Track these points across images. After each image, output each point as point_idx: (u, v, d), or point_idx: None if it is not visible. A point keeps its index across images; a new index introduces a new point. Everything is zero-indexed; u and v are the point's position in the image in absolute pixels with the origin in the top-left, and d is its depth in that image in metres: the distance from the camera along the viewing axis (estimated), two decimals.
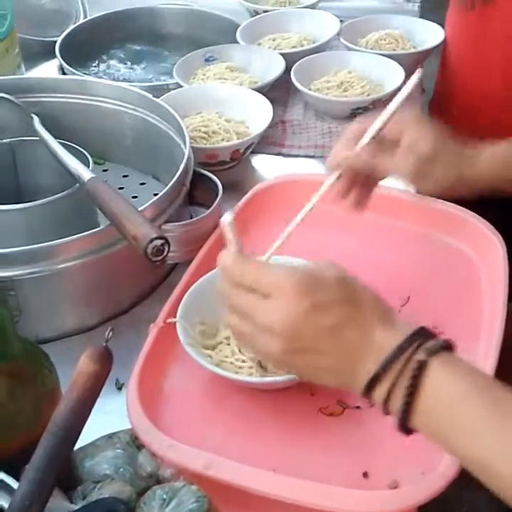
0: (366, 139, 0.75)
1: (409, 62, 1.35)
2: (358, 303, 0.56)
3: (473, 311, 0.87)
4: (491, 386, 0.53)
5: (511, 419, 0.50)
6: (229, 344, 0.80)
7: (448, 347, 0.55)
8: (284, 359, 0.57)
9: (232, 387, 0.78)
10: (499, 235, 0.92)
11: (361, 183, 0.79)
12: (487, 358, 0.78)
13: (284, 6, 1.61)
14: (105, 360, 0.49)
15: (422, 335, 0.55)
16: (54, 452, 0.47)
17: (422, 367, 0.52)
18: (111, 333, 0.51)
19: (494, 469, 0.50)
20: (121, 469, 0.67)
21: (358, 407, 0.76)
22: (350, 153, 0.76)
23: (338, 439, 0.73)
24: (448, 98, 1.29)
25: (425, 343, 0.54)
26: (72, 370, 0.67)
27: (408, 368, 0.53)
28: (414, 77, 0.74)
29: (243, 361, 0.78)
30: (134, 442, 0.70)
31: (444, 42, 1.34)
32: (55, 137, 1.01)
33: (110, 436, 0.71)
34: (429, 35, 1.42)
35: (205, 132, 1.15)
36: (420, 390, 0.52)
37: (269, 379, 0.76)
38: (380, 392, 0.54)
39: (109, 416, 0.74)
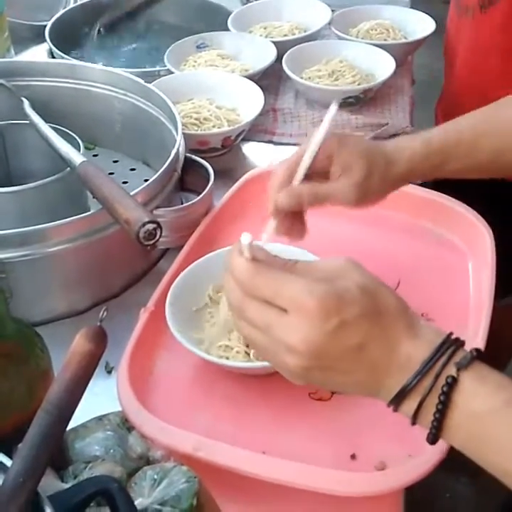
0: (298, 178, 0.72)
1: (400, 52, 1.36)
2: (383, 315, 0.53)
3: (462, 298, 0.88)
4: None
5: None
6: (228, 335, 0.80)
7: (477, 357, 0.53)
8: (304, 374, 0.54)
9: (221, 372, 0.79)
10: (487, 225, 0.93)
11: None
12: (474, 344, 0.79)
13: None
14: (99, 339, 0.50)
15: (449, 345, 0.53)
16: (48, 430, 0.48)
17: (453, 383, 0.51)
18: (105, 313, 0.52)
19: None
20: (112, 450, 0.67)
21: None
22: (290, 195, 0.72)
23: (327, 422, 0.74)
24: (454, 99, 1.30)
25: (454, 354, 0.52)
26: (62, 352, 0.67)
27: (438, 383, 0.51)
28: (332, 109, 0.71)
29: (232, 349, 0.78)
30: (124, 424, 0.71)
31: (446, 42, 1.34)
32: (45, 121, 1.01)
33: (100, 418, 0.71)
34: (420, 25, 1.42)
35: (196, 119, 1.15)
36: (452, 406, 0.51)
37: (257, 364, 0.77)
38: (409, 407, 0.53)
39: (99, 398, 0.74)
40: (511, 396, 0.51)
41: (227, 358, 0.78)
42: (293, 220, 0.74)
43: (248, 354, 0.78)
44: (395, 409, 0.54)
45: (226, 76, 1.24)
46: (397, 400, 0.53)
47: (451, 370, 0.51)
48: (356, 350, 0.52)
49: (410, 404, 0.52)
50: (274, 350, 0.54)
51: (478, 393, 0.51)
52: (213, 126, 1.14)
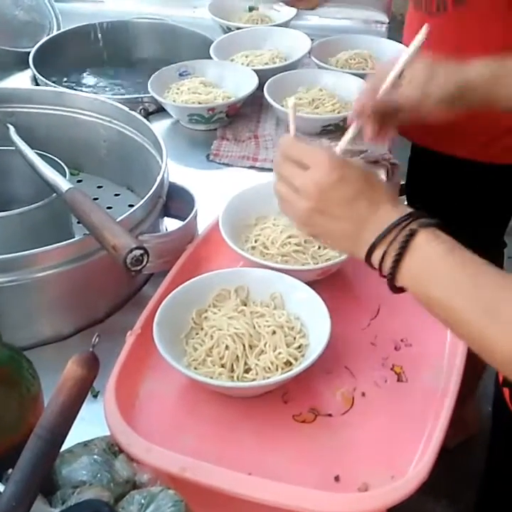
0: (384, 86, 0.89)
1: None
2: (374, 184, 0.70)
3: (440, 324, 0.89)
4: (466, 252, 0.64)
5: (480, 276, 0.61)
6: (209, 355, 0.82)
7: (439, 226, 0.65)
8: (309, 217, 0.70)
9: (207, 394, 0.80)
10: None
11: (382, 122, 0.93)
12: (452, 368, 0.81)
13: (257, 24, 1.65)
14: (91, 365, 0.51)
15: (418, 215, 0.66)
16: (41, 455, 0.48)
17: (412, 234, 0.64)
18: (97, 339, 0.53)
19: (460, 315, 0.61)
20: (99, 475, 0.68)
21: (329, 415, 0.78)
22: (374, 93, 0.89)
23: (311, 444, 0.76)
24: None
25: (420, 218, 0.65)
26: (48, 377, 0.68)
27: (401, 234, 0.65)
28: (423, 32, 0.86)
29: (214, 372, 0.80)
30: (110, 449, 0.71)
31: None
32: (31, 147, 1.02)
33: (86, 443, 0.72)
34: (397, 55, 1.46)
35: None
36: (408, 252, 0.64)
37: (240, 384, 0.78)
38: (376, 256, 0.66)
39: (85, 423, 0.74)
40: (455, 246, 0.64)
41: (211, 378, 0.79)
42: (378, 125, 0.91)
43: (231, 377, 0.80)
44: (369, 262, 0.67)
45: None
46: (369, 252, 0.67)
47: (413, 225, 0.65)
48: (349, 200, 0.68)
49: (378, 254, 0.66)
50: (293, 199, 0.72)
51: (430, 244, 0.64)
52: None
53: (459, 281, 0.62)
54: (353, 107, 0.93)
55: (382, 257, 0.66)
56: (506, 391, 0.90)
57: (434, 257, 0.64)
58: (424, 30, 0.86)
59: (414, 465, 0.72)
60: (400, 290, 0.67)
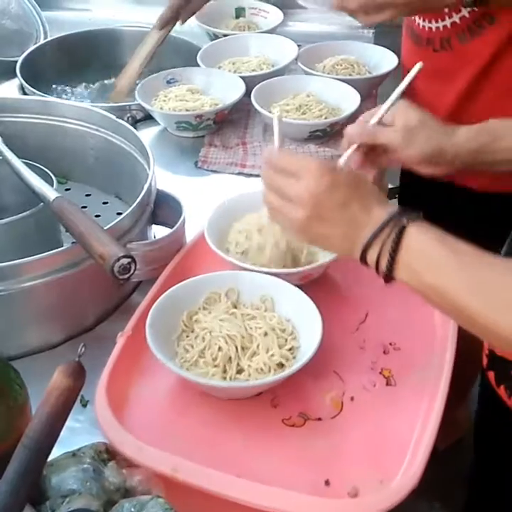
0: (374, 120, 0.90)
1: (365, 87, 1.40)
2: (363, 187, 0.73)
3: (427, 328, 0.90)
4: (451, 239, 0.68)
5: (473, 261, 0.65)
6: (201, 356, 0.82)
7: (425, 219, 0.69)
8: (306, 225, 0.72)
9: (197, 397, 0.80)
10: None
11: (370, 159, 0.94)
12: (441, 371, 0.82)
13: (244, 31, 1.65)
14: (78, 375, 0.51)
15: (407, 212, 0.70)
16: (28, 465, 0.48)
17: (403, 229, 0.68)
18: (83, 349, 0.53)
19: (456, 300, 0.65)
20: (88, 484, 0.67)
21: (319, 419, 0.79)
22: (361, 128, 0.92)
23: (301, 448, 0.76)
24: None
25: (407, 214, 0.69)
26: (37, 386, 0.68)
27: (393, 231, 0.68)
28: (415, 69, 0.88)
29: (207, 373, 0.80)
30: (100, 456, 0.71)
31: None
32: (18, 157, 1.02)
33: (75, 452, 0.72)
34: (384, 60, 1.47)
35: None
36: (401, 247, 0.68)
37: (236, 383, 0.79)
38: (372, 254, 0.70)
39: (74, 432, 0.75)
40: (444, 235, 0.68)
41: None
42: (364, 156, 0.92)
43: (224, 378, 0.80)
44: (364, 261, 0.70)
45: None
46: (365, 250, 0.70)
47: (403, 221, 0.68)
48: (342, 204, 0.71)
49: (373, 252, 0.69)
50: (286, 210, 0.74)
51: (421, 236, 0.68)
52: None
53: (452, 267, 0.65)
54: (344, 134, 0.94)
55: (379, 255, 0.69)
56: (491, 374, 0.91)
57: (427, 248, 0.67)
58: (417, 67, 0.89)
59: (404, 469, 0.73)
60: (393, 279, 0.70)
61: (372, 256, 0.70)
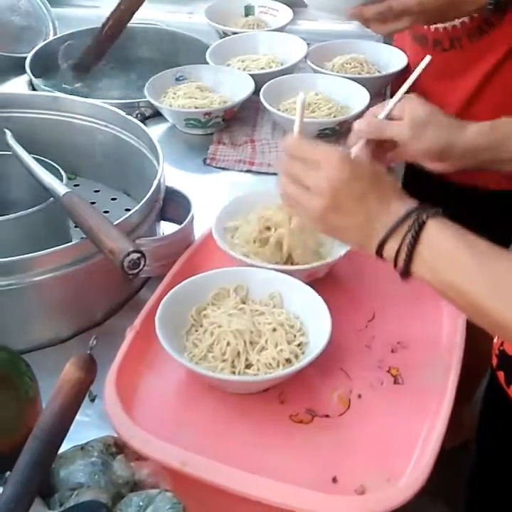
0: (382, 115, 0.90)
1: (374, 86, 1.40)
2: (383, 180, 0.73)
3: (435, 327, 0.90)
4: (471, 235, 0.67)
5: (492, 257, 0.65)
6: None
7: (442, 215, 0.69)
8: (323, 215, 0.72)
9: (205, 391, 0.81)
10: None
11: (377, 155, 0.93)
12: (449, 370, 0.82)
13: (253, 29, 1.66)
14: (89, 367, 0.51)
15: (426, 207, 0.69)
16: (39, 457, 0.48)
17: (422, 224, 0.67)
18: (95, 342, 0.53)
19: (474, 297, 0.64)
20: (96, 477, 0.68)
21: (326, 416, 0.79)
22: (369, 123, 0.91)
23: (308, 444, 0.76)
24: None
25: (427, 210, 0.69)
26: (46, 380, 0.68)
27: (412, 226, 0.68)
28: (424, 62, 0.87)
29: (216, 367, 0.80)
30: (108, 450, 0.71)
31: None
32: (27, 152, 1.03)
33: (83, 445, 0.72)
34: (393, 59, 1.46)
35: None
36: (420, 242, 0.67)
37: (247, 377, 0.79)
38: (389, 249, 0.69)
39: (82, 426, 0.74)
40: (463, 231, 0.68)
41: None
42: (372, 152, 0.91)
43: (233, 372, 0.80)
44: (380, 255, 0.70)
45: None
46: (382, 243, 0.69)
47: (423, 217, 0.68)
48: (361, 196, 0.70)
49: (392, 246, 0.69)
50: (304, 198, 0.73)
51: (440, 232, 0.67)
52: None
53: (471, 264, 0.65)
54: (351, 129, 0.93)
55: (397, 250, 0.68)
56: (501, 374, 0.91)
57: (446, 244, 0.67)
58: (426, 60, 0.88)
59: (412, 468, 0.73)
60: (410, 276, 0.70)
61: (389, 250, 0.69)
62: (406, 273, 0.69)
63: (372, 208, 0.70)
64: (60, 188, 0.91)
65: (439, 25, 1.21)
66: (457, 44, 1.21)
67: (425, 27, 1.23)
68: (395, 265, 0.69)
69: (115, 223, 0.86)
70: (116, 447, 0.72)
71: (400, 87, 0.91)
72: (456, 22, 1.18)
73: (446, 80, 1.26)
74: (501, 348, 0.91)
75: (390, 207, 0.70)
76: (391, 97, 0.93)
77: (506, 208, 1.36)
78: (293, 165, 0.75)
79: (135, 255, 0.77)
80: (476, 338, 0.83)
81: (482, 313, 0.65)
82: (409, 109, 0.88)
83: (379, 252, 0.70)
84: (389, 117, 0.90)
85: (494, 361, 0.93)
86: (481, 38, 1.17)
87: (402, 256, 0.68)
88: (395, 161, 0.95)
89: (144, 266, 0.79)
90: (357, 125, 0.90)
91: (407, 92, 0.91)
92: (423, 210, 0.69)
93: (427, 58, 0.89)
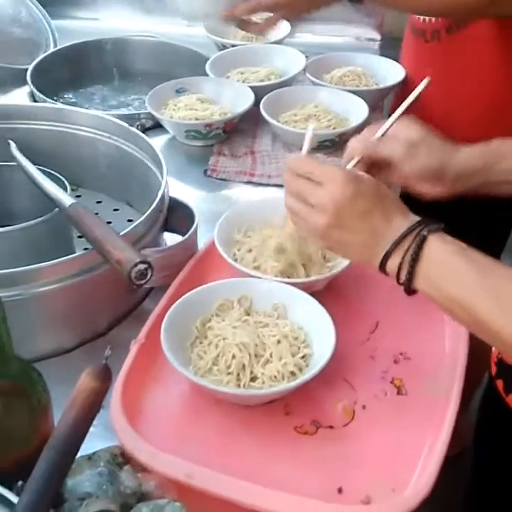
0: (378, 133, 0.90)
1: (373, 98, 1.42)
2: (385, 197, 0.74)
3: (438, 338, 0.91)
4: (472, 251, 0.69)
5: (486, 268, 0.67)
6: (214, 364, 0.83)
7: (445, 230, 0.71)
8: (327, 232, 0.73)
9: (210, 403, 0.81)
10: None
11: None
12: (453, 380, 0.82)
13: (252, 41, 1.67)
14: (105, 377, 0.51)
15: (427, 222, 0.71)
16: (55, 466, 0.49)
17: (423, 240, 0.69)
18: (110, 351, 0.53)
19: (472, 308, 0.66)
20: (104, 487, 0.68)
21: (331, 427, 0.79)
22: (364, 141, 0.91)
23: (314, 455, 0.76)
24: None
25: (429, 226, 0.70)
26: (51, 390, 0.69)
27: (414, 241, 0.69)
28: (422, 84, 0.88)
29: (221, 381, 0.81)
30: (115, 460, 0.72)
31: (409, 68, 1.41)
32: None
33: (90, 455, 0.72)
34: (390, 72, 1.48)
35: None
36: (422, 257, 0.68)
37: (253, 391, 0.80)
38: (392, 264, 0.71)
39: (89, 436, 0.75)
40: (464, 247, 0.69)
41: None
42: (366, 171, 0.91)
43: (238, 385, 0.80)
44: (384, 270, 0.72)
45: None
46: (384, 259, 0.71)
47: (424, 232, 0.69)
48: (364, 213, 0.72)
49: (393, 262, 0.70)
50: (308, 215, 0.75)
51: (441, 248, 0.69)
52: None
53: (472, 279, 0.66)
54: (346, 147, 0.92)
55: (399, 265, 0.70)
56: (500, 383, 0.92)
57: (447, 259, 0.68)
58: (424, 82, 0.89)
59: (416, 478, 0.73)
60: (414, 292, 0.71)
61: (392, 266, 0.71)
62: (409, 288, 0.70)
63: (375, 224, 0.72)
64: (66, 198, 0.92)
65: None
66: (437, 36, 1.23)
67: (416, 18, 1.26)
68: (398, 281, 0.71)
69: (121, 234, 0.86)
70: (123, 457, 0.72)
71: (399, 103, 0.92)
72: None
73: (431, 71, 1.28)
74: (500, 356, 0.92)
75: (393, 223, 0.71)
76: (390, 112, 0.94)
77: (498, 218, 1.38)
78: (297, 182, 0.76)
79: (142, 266, 0.78)
80: (474, 346, 0.84)
81: (486, 328, 0.65)
82: (404, 129, 0.89)
83: (382, 267, 0.72)
84: (385, 137, 0.90)
85: (493, 369, 0.94)
86: (457, 31, 1.20)
87: (404, 272, 0.69)
88: (389, 185, 0.95)
89: (150, 276, 0.79)
90: (352, 143, 0.91)
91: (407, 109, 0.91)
92: (425, 225, 0.70)
93: (425, 80, 0.89)
